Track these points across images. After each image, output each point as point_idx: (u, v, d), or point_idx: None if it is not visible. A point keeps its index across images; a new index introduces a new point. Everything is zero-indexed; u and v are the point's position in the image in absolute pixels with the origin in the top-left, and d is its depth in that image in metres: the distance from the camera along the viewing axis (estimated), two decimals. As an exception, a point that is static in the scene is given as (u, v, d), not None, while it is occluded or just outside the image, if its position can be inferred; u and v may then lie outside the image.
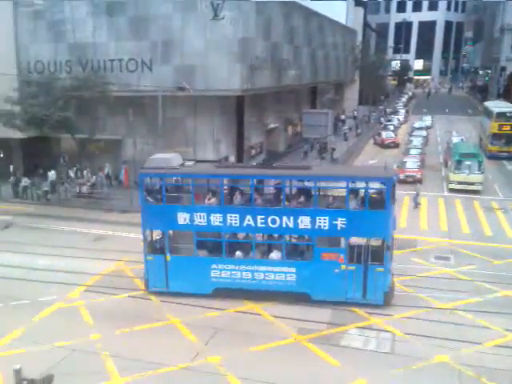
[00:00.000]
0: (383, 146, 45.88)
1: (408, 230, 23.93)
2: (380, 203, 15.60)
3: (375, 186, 16.18)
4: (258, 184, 16.68)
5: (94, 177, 29.83)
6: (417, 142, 42.57)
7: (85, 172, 30.32)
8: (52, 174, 30.01)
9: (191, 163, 17.90)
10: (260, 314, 15.84)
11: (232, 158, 32.00)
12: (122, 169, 31.17)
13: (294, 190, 17.16)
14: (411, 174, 32.57)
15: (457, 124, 59.56)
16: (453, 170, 31.49)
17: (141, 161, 30.96)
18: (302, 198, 16.49)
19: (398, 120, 58.42)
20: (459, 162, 31.18)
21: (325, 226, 15.74)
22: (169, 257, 16.93)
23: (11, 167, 31.66)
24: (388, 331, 14.80)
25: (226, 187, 17.03)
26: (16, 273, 19.17)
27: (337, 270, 15.98)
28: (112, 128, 31.46)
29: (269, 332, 14.77)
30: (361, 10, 72.37)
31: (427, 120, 58.28)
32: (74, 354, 13.60)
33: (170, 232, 17.08)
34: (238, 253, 16.72)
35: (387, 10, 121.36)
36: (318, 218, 15.74)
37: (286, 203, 16.24)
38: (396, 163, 34.61)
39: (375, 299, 16.03)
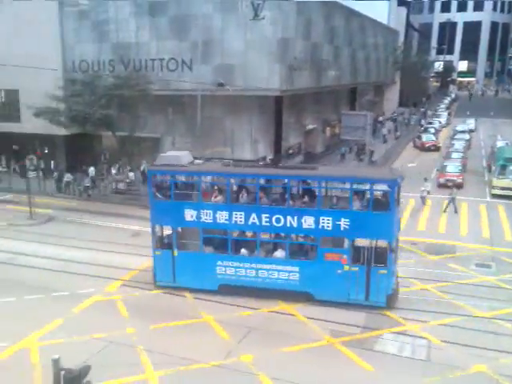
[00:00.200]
0: (423, 149, 44.96)
1: (446, 235, 23.39)
2: (384, 205, 15.55)
3: (379, 187, 15.98)
4: (265, 183, 16.98)
5: (132, 174, 30.40)
6: (459, 145, 41.53)
7: (124, 169, 30.93)
8: (91, 171, 30.78)
9: (200, 161, 18.19)
10: (293, 315, 15.78)
11: (270, 158, 32.01)
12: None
13: (297, 190, 17.14)
14: (451, 178, 31.77)
15: (502, 128, 57.75)
16: (496, 175, 30.56)
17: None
18: (306, 198, 16.53)
19: (440, 122, 57.12)
20: (503, 167, 30.23)
21: (328, 227, 15.78)
22: (176, 252, 17.28)
23: (52, 163, 32.67)
24: (424, 338, 14.47)
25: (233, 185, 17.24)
26: (57, 265, 19.78)
27: (340, 271, 15.98)
28: (151, 126, 32.00)
29: (301, 333, 14.70)
30: (404, 10, 71.19)
31: (470, 123, 56.76)
32: (110, 346, 13.90)
33: (178, 228, 17.37)
34: (243, 250, 16.93)
35: (431, 10, 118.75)
36: (321, 218, 15.79)
37: (291, 203, 16.27)
38: (436, 167, 33.83)
39: (377, 301, 15.93)
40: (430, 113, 67.02)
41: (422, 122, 58.61)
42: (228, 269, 16.98)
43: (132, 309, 16.14)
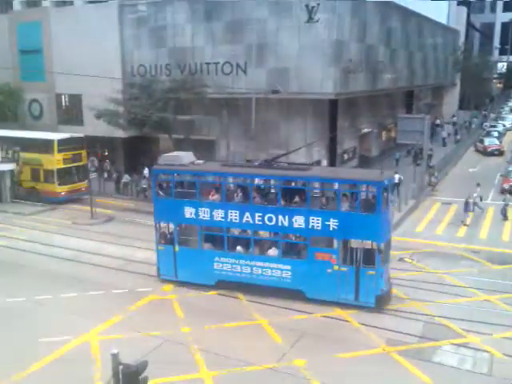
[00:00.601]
0: (485, 153, 43.16)
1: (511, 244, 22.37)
2: (372, 206, 15.71)
3: (366, 189, 16.26)
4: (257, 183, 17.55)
5: None
6: (525, 149, 39.62)
7: None
8: (146, 172, 31.59)
9: (200, 162, 18.60)
10: (348, 321, 15.55)
11: (324, 163, 31.74)
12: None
13: (288, 190, 17.39)
14: (517, 183, 30.32)
15: None
16: None
17: (233, 161, 31.72)
18: (296, 198, 16.87)
19: (504, 126, 54.63)
20: None
21: (318, 227, 16.09)
22: (177, 248, 18.06)
23: (106, 165, 33.79)
24: (486, 351, 13.87)
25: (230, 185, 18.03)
26: (116, 263, 20.45)
27: (329, 270, 16.23)
28: (207, 129, 32.48)
29: (356, 340, 14.46)
30: (464, 10, 68.74)
31: (537, 126, 54.04)
32: (165, 344, 14.20)
33: (179, 225, 18.15)
34: (238, 248, 17.45)
35: (493, 10, 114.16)
36: (311, 218, 16.11)
37: (282, 202, 16.63)
38: (500, 172, 32.43)
39: (367, 302, 16.05)
40: (492, 116, 64.31)
41: (485, 125, 56.32)
42: (225, 265, 17.60)
43: (187, 309, 16.42)
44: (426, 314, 15.83)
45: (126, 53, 33.74)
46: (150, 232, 24.23)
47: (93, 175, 27.08)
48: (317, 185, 16.97)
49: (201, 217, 17.51)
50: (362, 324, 15.27)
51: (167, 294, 17.69)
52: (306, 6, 27.65)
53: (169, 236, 18.42)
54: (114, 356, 10.85)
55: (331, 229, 15.98)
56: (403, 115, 39.05)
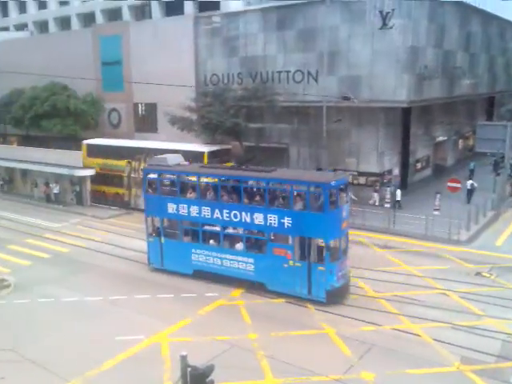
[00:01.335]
0: None
1: None
2: (320, 206, 16.66)
3: (314, 189, 17.05)
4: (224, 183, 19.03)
5: None
6: None
7: None
8: None
9: (185, 163, 20.78)
10: (419, 335, 14.98)
11: (396, 171, 30.97)
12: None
13: (251, 189, 18.74)
14: None
15: None
16: None
17: (303, 169, 31.72)
18: (257, 197, 18.10)
19: None
20: None
21: (274, 224, 17.34)
22: (163, 240, 20.05)
23: None
24: None
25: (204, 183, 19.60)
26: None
27: (286, 265, 17.39)
28: (277, 136, 32.67)
29: (428, 356, 13.88)
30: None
31: None
32: (232, 349, 14.35)
33: (164, 219, 20.13)
34: (211, 241, 19.08)
35: None
36: (269, 215, 17.43)
37: (245, 201, 18.01)
38: None
39: (318, 296, 17.05)
40: None
41: None
42: (200, 256, 19.37)
43: (254, 315, 16.51)
44: (505, 333, 14.94)
45: (199, 62, 34.74)
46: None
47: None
48: (273, 185, 18.12)
49: (180, 212, 19.41)
50: (435, 339, 14.65)
51: (235, 299, 17.89)
52: (380, 12, 27.20)
53: (156, 229, 20.36)
54: (183, 358, 11.11)
55: (286, 226, 17.15)
56: (483, 122, 37.30)
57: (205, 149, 28.90)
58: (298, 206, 17.21)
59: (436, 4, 29.86)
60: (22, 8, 54.38)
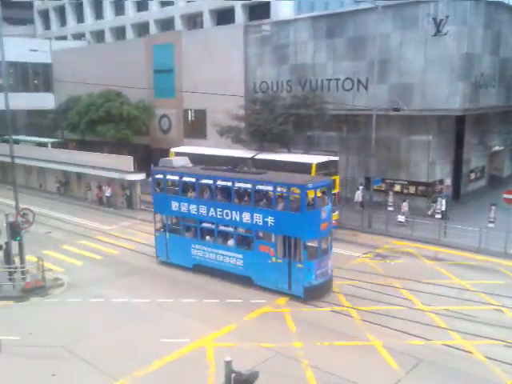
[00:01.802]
0: None
1: None
2: (297, 207, 17.76)
3: (294, 191, 18.21)
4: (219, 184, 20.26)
5: None
6: None
7: None
8: None
9: (190, 165, 22.52)
10: (471, 352, 14.44)
11: (448, 182, 30.11)
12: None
13: (241, 190, 19.95)
14: None
15: None
16: None
17: (352, 178, 31.37)
18: (246, 197, 19.41)
19: None
20: None
21: (260, 222, 18.63)
22: (168, 235, 21.69)
23: None
24: None
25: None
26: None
27: (269, 261, 18.58)
28: (326, 144, 32.48)
29: (480, 374, 13.34)
30: None
31: None
32: (277, 357, 14.30)
33: (169, 216, 21.83)
34: (207, 237, 20.54)
35: None
36: (255, 214, 18.72)
37: (235, 200, 19.45)
38: None
39: (297, 292, 18.13)
40: None
41: None
42: (199, 251, 20.86)
43: (299, 323, 16.40)
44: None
45: (249, 70, 35.09)
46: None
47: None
48: (259, 187, 19.02)
49: (182, 210, 21.08)
50: (488, 357, 14.07)
51: (280, 307, 17.84)
52: (434, 19, 26.68)
53: (163, 225, 22.05)
54: (227, 363, 11.16)
55: (269, 225, 18.40)
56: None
57: (313, 160, 26.15)
58: (280, 206, 18.44)
59: (492, 10, 28.97)
60: (80, 18, 56.63)
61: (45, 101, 47.54)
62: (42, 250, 23.49)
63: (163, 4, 47.31)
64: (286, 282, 18.32)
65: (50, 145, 36.61)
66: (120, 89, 37.54)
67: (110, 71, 42.20)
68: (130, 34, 50.65)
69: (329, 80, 31.29)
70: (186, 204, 20.92)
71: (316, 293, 18.18)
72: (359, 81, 29.99)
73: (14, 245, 20.18)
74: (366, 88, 29.73)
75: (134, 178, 32.66)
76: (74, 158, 36.70)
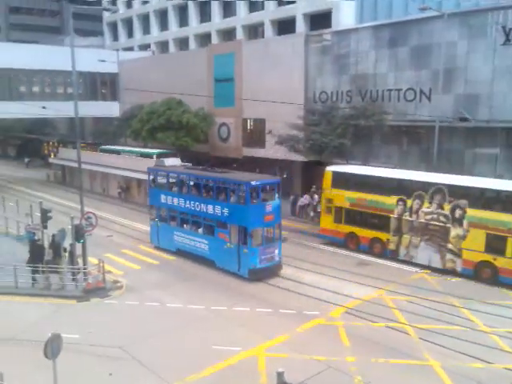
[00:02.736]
0: None
1: None
2: (243, 200, 20.99)
3: (239, 187, 21.37)
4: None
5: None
6: None
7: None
8: (316, 198, 32.09)
9: (178, 165, 27.40)
10: (537, 379, 13.61)
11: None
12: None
13: (208, 186, 23.25)
14: None
15: None
16: None
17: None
18: (210, 192, 22.80)
19: None
20: None
21: (219, 213, 22.09)
22: (159, 223, 25.68)
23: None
24: None
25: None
26: (285, 284, 21.04)
27: (225, 247, 21.88)
28: (385, 156, 31.82)
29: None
30: None
31: None
32: (328, 371, 14.05)
33: (159, 207, 25.77)
34: (185, 225, 24.28)
35: None
36: (215, 206, 22.15)
37: (204, 194, 23.08)
38: None
39: (244, 273, 21.27)
40: None
41: None
42: (179, 238, 24.57)
43: (353, 337, 16.06)
44: None
45: (309, 80, 34.99)
46: (322, 256, 24.91)
47: (270, 196, 28.28)
48: (218, 183, 22.40)
49: (168, 202, 25.01)
50: (556, 386, 13.23)
51: (334, 319, 17.56)
52: (503, 27, 25.61)
53: (155, 215, 25.90)
54: (279, 374, 11.12)
55: (225, 215, 21.80)
56: None
57: None
58: (232, 199, 21.63)
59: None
60: (146, 30, 58.74)
61: (111, 109, 49.46)
62: (103, 252, 24.33)
63: (225, 15, 48.27)
64: (236, 264, 21.48)
65: (155, 156, 36.29)
66: (181, 97, 38.50)
67: (173, 80, 43.39)
68: (192, 44, 51.98)
69: (390, 90, 30.68)
70: (170, 197, 24.85)
71: (260, 275, 21.19)
72: (422, 91, 29.20)
73: (78, 247, 21.07)
74: (428, 98, 28.91)
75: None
76: (135, 164, 37.88)
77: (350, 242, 25.74)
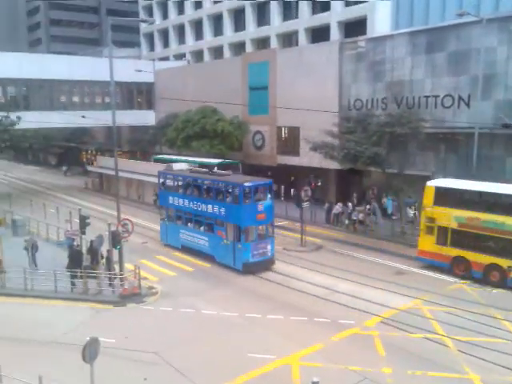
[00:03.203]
0: None
1: None
2: (237, 200, 23.04)
3: (233, 188, 23.45)
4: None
5: (410, 212, 29.73)
6: None
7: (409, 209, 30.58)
8: (350, 206, 31.74)
9: (185, 169, 29.39)
10: None
11: None
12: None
13: (208, 187, 25.44)
14: None
15: None
16: None
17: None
18: (210, 193, 24.94)
19: None
20: None
21: (217, 212, 24.18)
22: (167, 222, 28.03)
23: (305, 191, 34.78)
24: None
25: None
26: (321, 292, 20.84)
27: (222, 243, 23.98)
28: (421, 164, 31.25)
29: None
30: None
31: None
32: (364, 382, 13.82)
33: (168, 207, 28.06)
34: (189, 224, 26.46)
35: None
36: (214, 206, 24.35)
37: (205, 195, 25.19)
38: None
39: (238, 267, 23.26)
40: None
41: None
42: (184, 235, 26.75)
43: (389, 348, 15.74)
44: None
45: (343, 87, 34.79)
46: (357, 264, 24.59)
47: (305, 204, 28.10)
48: (217, 185, 24.62)
49: (174, 203, 27.26)
50: None
51: (370, 329, 17.26)
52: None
53: (165, 215, 28.26)
54: None
55: (222, 214, 23.90)
56: None
57: None
58: (228, 200, 23.73)
59: None
60: (181, 40, 59.75)
61: (146, 118, 50.39)
62: (139, 258, 24.72)
63: (259, 24, 48.62)
64: (232, 258, 23.52)
65: (216, 167, 34.34)
66: (216, 105, 38.87)
67: (208, 88, 43.88)
68: (226, 52, 52.53)
69: (426, 97, 30.16)
70: (176, 198, 27.11)
71: (252, 268, 23.15)
72: (460, 97, 28.60)
73: (115, 253, 21.45)
74: (467, 105, 28.29)
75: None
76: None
77: (456, 268, 22.34)
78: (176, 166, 29.59)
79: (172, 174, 28.24)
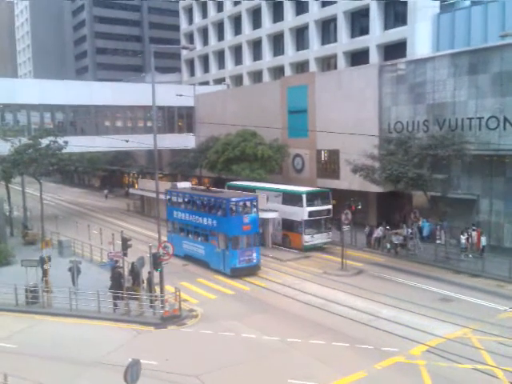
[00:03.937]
0: None
1: None
2: (225, 213, 26.93)
3: (222, 203, 27.46)
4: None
5: (462, 238, 28.40)
6: None
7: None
8: (388, 229, 31.18)
9: (188, 187, 34.61)
10: None
11: None
12: (473, 231, 29.28)
13: (205, 203, 29.34)
14: None
15: None
16: None
17: (497, 223, 28.82)
18: (206, 208, 28.74)
19: None
20: None
21: (210, 224, 27.90)
22: (173, 234, 31.39)
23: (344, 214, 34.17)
24: None
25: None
26: (362, 317, 20.37)
27: (215, 251, 27.32)
28: (466, 187, 30.45)
29: None
30: None
31: None
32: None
33: (173, 221, 31.94)
34: (189, 235, 30.06)
35: None
36: (208, 219, 28.05)
37: (202, 210, 28.96)
38: None
39: (227, 272, 26.53)
40: None
41: None
42: (186, 245, 30.17)
43: (436, 379, 15.14)
44: None
45: (383, 110, 34.51)
46: (400, 289, 23.99)
47: (346, 228, 27.75)
48: (210, 200, 28.55)
49: (178, 217, 31.16)
50: None
51: (415, 358, 16.67)
52: None
53: (171, 227, 31.91)
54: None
55: (214, 225, 27.51)
56: None
57: None
58: (219, 213, 27.44)
59: None
60: (221, 64, 60.88)
61: (187, 141, 51.21)
62: (179, 281, 24.87)
63: (298, 48, 49.06)
64: (222, 264, 26.81)
65: (304, 196, 31.76)
66: (255, 128, 39.18)
67: (247, 112, 44.35)
68: (266, 76, 53.11)
69: (470, 119, 29.50)
70: (180, 212, 31.04)
71: (239, 273, 26.34)
72: (506, 119, 27.85)
73: (156, 274, 21.67)
74: (514, 126, 27.52)
75: (266, 216, 33.11)
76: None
77: None
78: (180, 185, 34.44)
79: (176, 191, 32.66)
